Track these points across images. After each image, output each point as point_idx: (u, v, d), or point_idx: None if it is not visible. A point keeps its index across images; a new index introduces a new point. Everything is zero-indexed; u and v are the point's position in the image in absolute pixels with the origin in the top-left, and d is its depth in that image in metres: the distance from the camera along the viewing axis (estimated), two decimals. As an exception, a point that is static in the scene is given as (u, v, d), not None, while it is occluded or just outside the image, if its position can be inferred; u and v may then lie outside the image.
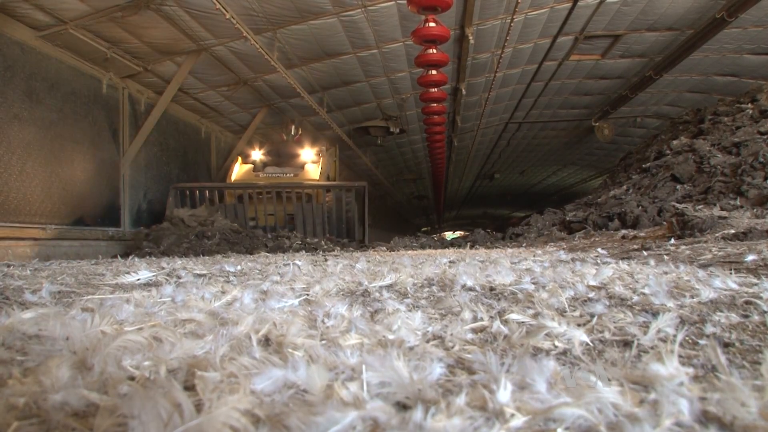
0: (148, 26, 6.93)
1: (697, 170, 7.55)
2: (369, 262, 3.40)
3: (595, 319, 1.18)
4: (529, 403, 0.64)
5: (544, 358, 0.80)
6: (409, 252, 5.79)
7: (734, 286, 1.51)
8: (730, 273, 1.70)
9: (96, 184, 7.56)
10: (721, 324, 1.10)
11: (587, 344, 1.00)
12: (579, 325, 1.14)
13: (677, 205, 5.73)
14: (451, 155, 17.50)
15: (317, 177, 10.10)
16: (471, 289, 1.77)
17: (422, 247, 7.94)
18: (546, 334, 1.02)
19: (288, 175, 10.07)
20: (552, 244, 6.30)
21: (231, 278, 2.38)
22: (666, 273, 1.95)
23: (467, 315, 1.25)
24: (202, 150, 10.98)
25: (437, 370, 0.78)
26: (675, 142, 8.84)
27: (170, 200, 8.69)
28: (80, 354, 0.85)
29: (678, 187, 7.45)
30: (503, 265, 2.41)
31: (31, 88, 6.36)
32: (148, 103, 8.75)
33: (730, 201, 6.11)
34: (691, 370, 0.78)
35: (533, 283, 1.76)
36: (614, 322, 1.15)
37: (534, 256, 3.75)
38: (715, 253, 2.75)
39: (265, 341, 1.03)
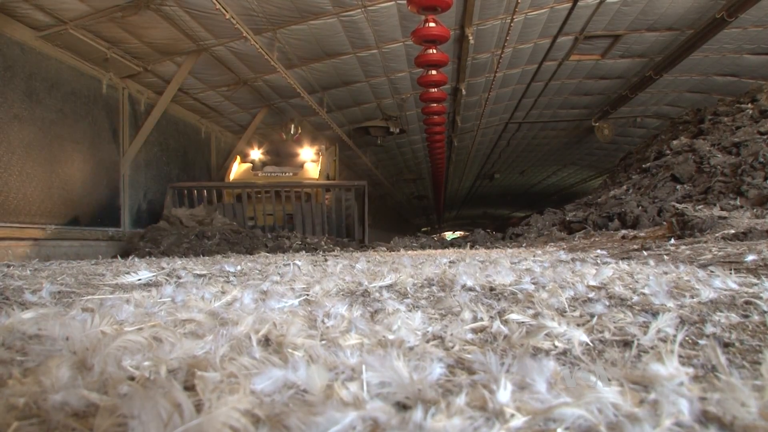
0: (148, 26, 6.93)
1: (697, 170, 7.55)
2: (369, 262, 3.40)
3: (595, 319, 1.18)
4: (529, 403, 0.64)
5: (544, 358, 0.80)
6: (409, 252, 5.79)
7: (734, 286, 1.51)
8: (730, 273, 1.70)
9: (96, 185, 7.56)
10: (721, 324, 1.10)
11: (587, 344, 1.00)
12: (579, 325, 1.14)
13: (677, 205, 5.73)
14: (451, 155, 17.51)
15: (316, 176, 10.05)
16: (471, 289, 1.77)
17: (422, 247, 7.93)
18: (546, 334, 1.02)
19: (287, 174, 10.03)
20: (552, 244, 6.30)
21: (231, 278, 2.38)
22: (666, 273, 1.95)
23: (467, 315, 1.25)
24: (202, 150, 10.98)
25: (437, 370, 0.78)
26: (675, 142, 8.84)
27: (168, 200, 8.66)
28: (80, 354, 0.85)
29: (678, 187, 7.45)
30: (503, 265, 2.41)
31: (31, 88, 6.36)
32: (148, 103, 8.75)
33: (730, 201, 6.11)
34: (691, 370, 0.78)
35: (533, 283, 1.76)
36: (614, 322, 1.15)
37: (534, 256, 3.75)
38: (715, 253, 2.75)
39: (265, 341, 1.03)
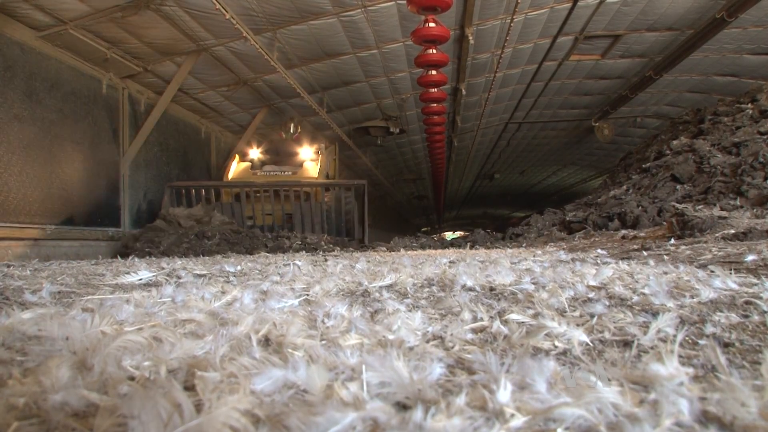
0: (148, 26, 6.93)
1: (697, 170, 7.55)
2: (369, 262, 3.40)
3: (595, 319, 1.18)
4: (529, 403, 0.64)
5: (544, 358, 0.80)
6: (409, 252, 5.79)
7: (734, 286, 1.51)
8: (730, 273, 1.70)
9: (96, 185, 7.56)
10: (721, 324, 1.10)
11: (587, 344, 1.00)
12: (579, 325, 1.14)
13: (677, 205, 5.73)
14: (451, 155, 17.51)
15: (316, 175, 10.00)
16: (471, 289, 1.77)
17: (422, 247, 7.93)
18: (546, 334, 1.02)
19: (286, 173, 9.98)
20: (552, 244, 6.30)
21: (231, 278, 2.38)
22: (666, 273, 1.95)
23: (467, 315, 1.25)
24: (202, 150, 10.97)
25: (437, 370, 0.78)
26: (675, 142, 8.84)
27: (166, 199, 8.62)
28: (80, 354, 0.85)
29: (678, 187, 7.45)
30: (503, 265, 2.41)
31: (31, 88, 6.36)
32: (148, 103, 8.75)
33: (730, 201, 6.11)
34: (691, 370, 0.78)
35: (533, 283, 1.76)
36: (614, 322, 1.15)
37: (534, 256, 3.75)
38: (715, 253, 2.75)
39: (265, 341, 1.03)
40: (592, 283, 1.72)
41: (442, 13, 7.03)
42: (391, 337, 1.04)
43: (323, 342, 1.00)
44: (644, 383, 0.72)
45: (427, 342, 1.03)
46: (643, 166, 8.98)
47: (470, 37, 8.65)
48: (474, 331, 1.13)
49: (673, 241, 4.08)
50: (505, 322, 1.16)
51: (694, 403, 0.63)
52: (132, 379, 0.76)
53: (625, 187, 8.76)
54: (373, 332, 1.07)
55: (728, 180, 6.75)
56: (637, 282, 1.73)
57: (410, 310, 1.36)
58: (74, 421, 0.63)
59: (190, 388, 0.71)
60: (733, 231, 3.90)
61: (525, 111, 14.44)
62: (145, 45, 7.43)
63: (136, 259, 4.48)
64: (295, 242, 7.80)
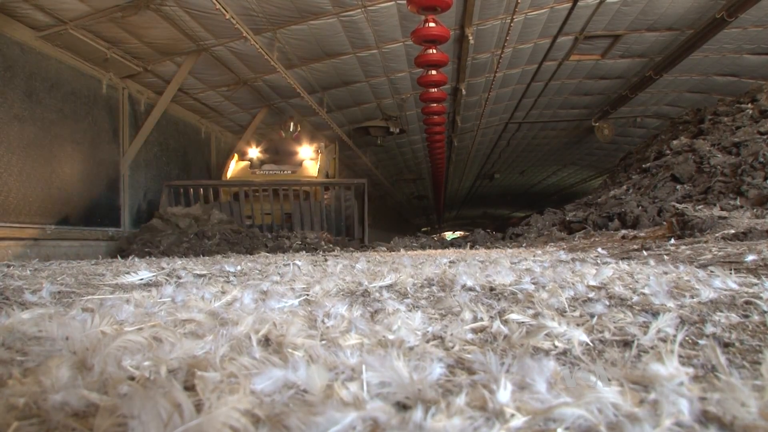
0: (148, 26, 6.93)
1: (697, 170, 7.55)
2: (369, 262, 3.40)
3: (595, 319, 1.18)
4: (529, 403, 0.64)
5: (544, 358, 0.80)
6: (409, 252, 5.79)
7: (734, 286, 1.51)
8: (730, 273, 1.70)
9: (96, 184, 7.56)
10: (721, 324, 1.10)
11: (587, 344, 1.00)
12: (579, 325, 1.14)
13: (677, 205, 5.74)
14: (451, 155, 17.51)
15: (315, 174, 9.94)
16: (471, 289, 1.77)
17: (422, 247, 7.93)
18: (546, 334, 1.02)
19: (285, 172, 9.93)
20: (552, 244, 6.30)
21: (231, 278, 2.38)
22: (666, 273, 1.95)
23: (467, 315, 1.25)
24: (202, 150, 10.97)
25: (437, 370, 0.78)
26: (675, 142, 8.84)
27: (163, 198, 8.58)
28: (80, 354, 0.85)
29: (678, 187, 7.45)
30: (503, 265, 2.41)
31: (31, 88, 6.36)
32: (148, 103, 8.75)
33: (730, 201, 6.11)
34: (691, 370, 0.78)
35: (533, 283, 1.76)
36: (614, 322, 1.15)
37: (534, 256, 3.75)
38: (715, 253, 2.75)
39: (265, 341, 1.03)
40: (592, 283, 1.72)
41: (442, 13, 7.03)
42: (391, 337, 1.04)
43: (323, 342, 1.00)
44: (644, 383, 0.72)
45: (427, 342, 1.03)
46: (643, 166, 8.98)
47: (470, 37, 8.65)
48: (474, 331, 1.13)
49: (673, 241, 4.08)
50: (505, 322, 1.16)
51: (694, 403, 0.63)
52: (132, 379, 0.76)
53: (625, 187, 8.76)
54: (373, 332, 1.07)
55: (728, 180, 6.75)
56: (637, 282, 1.73)
57: (410, 310, 1.36)
58: (74, 421, 0.63)
59: (190, 388, 0.71)
60: (733, 231, 3.90)
61: (525, 111, 14.44)
62: (145, 45, 7.43)
63: (136, 259, 4.48)
64: (295, 242, 7.79)
